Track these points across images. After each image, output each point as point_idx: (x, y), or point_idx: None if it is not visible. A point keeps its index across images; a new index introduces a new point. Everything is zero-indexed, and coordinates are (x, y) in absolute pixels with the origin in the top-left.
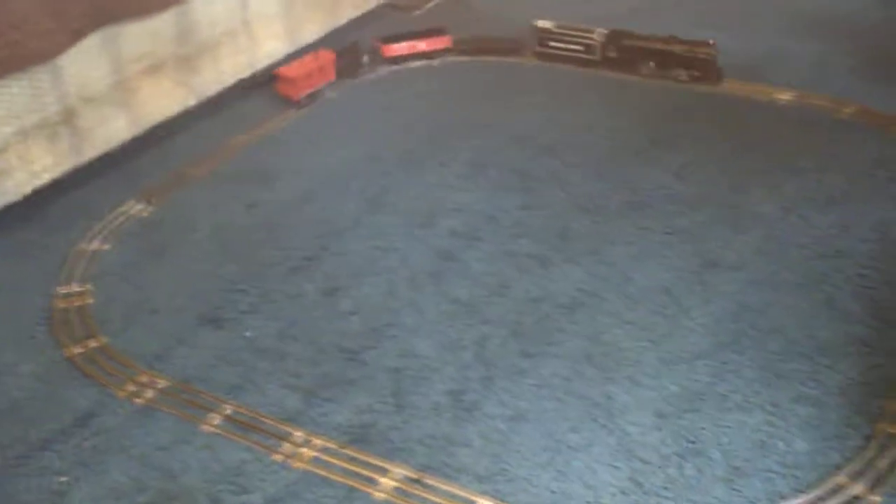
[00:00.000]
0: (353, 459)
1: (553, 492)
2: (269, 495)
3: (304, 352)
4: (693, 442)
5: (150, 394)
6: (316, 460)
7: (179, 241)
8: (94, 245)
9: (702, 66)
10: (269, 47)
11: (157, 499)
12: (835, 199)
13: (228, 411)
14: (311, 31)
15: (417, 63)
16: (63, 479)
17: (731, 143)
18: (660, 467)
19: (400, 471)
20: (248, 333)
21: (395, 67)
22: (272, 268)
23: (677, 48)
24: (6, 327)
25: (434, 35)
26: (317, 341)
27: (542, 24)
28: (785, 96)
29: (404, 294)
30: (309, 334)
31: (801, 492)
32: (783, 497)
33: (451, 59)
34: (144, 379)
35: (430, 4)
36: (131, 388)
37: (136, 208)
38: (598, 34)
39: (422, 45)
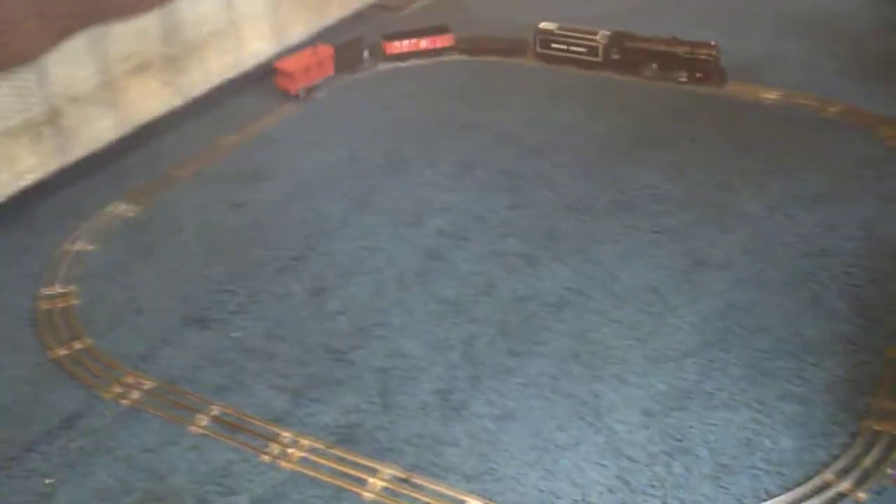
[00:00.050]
0: (341, 460)
1: (541, 490)
2: (257, 496)
3: (292, 352)
4: (680, 440)
5: (136, 395)
6: (304, 461)
7: (166, 242)
8: (79, 246)
9: (704, 67)
10: (256, 47)
11: (144, 500)
12: (821, 198)
13: (216, 412)
14: (298, 31)
15: (414, 62)
16: (49, 480)
17: (719, 143)
18: (647, 465)
19: (388, 471)
20: (235, 334)
21: (394, 65)
22: (259, 268)
23: (680, 50)
24: None
25: (436, 34)
26: (304, 341)
27: (544, 25)
28: (772, 95)
29: (392, 294)
30: (296, 334)
31: (788, 489)
32: (770, 494)
33: (452, 58)
34: (130, 380)
35: (417, 4)
36: (117, 389)
37: (123, 208)
38: (601, 36)
39: (424, 43)
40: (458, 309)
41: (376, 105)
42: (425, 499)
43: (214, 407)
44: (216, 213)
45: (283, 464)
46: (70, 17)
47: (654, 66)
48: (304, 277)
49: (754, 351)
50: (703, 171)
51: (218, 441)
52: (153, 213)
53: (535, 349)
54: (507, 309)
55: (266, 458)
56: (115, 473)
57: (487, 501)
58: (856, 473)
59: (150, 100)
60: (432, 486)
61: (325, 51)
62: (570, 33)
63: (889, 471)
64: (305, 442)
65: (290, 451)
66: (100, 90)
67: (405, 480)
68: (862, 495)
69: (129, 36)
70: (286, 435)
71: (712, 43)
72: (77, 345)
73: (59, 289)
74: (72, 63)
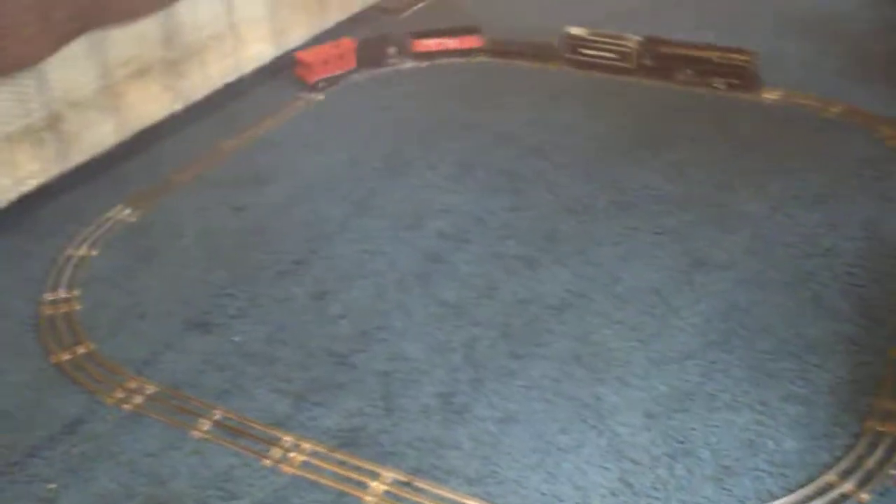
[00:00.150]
0: (342, 463)
1: (543, 493)
2: (258, 500)
3: (294, 356)
4: (682, 442)
5: (138, 400)
6: (305, 465)
7: (167, 246)
8: (82, 251)
9: (740, 73)
10: (256, 50)
11: None
12: (821, 198)
13: (217, 416)
14: (299, 34)
15: (411, 64)
16: (51, 486)
17: (719, 143)
18: (650, 468)
19: (390, 474)
20: (236, 338)
21: (415, 65)
22: (260, 272)
23: (715, 55)
24: None
25: (465, 34)
26: (306, 345)
27: (573, 30)
28: (772, 95)
29: (393, 297)
30: (298, 338)
31: (791, 491)
32: (773, 496)
33: (478, 59)
34: (133, 385)
35: (417, 7)
36: (120, 394)
37: (124, 213)
38: (633, 41)
39: (452, 43)
40: (459, 311)
41: (376, 105)
42: (427, 502)
43: (216, 411)
44: (217, 217)
45: (285, 468)
46: (70, 21)
47: (689, 71)
48: (305, 281)
49: (757, 352)
50: (703, 171)
51: (220, 445)
52: (154, 218)
53: (537, 351)
54: (509, 311)
55: (268, 462)
56: (117, 478)
57: None
58: (858, 475)
59: (151, 104)
60: (434, 490)
61: (347, 44)
62: (600, 38)
63: (892, 472)
64: (307, 446)
65: (291, 455)
66: (100, 95)
67: (407, 484)
68: (865, 496)
69: (128, 40)
70: (288, 439)
71: (749, 49)
72: (79, 350)
73: (61, 294)
74: (72, 68)
